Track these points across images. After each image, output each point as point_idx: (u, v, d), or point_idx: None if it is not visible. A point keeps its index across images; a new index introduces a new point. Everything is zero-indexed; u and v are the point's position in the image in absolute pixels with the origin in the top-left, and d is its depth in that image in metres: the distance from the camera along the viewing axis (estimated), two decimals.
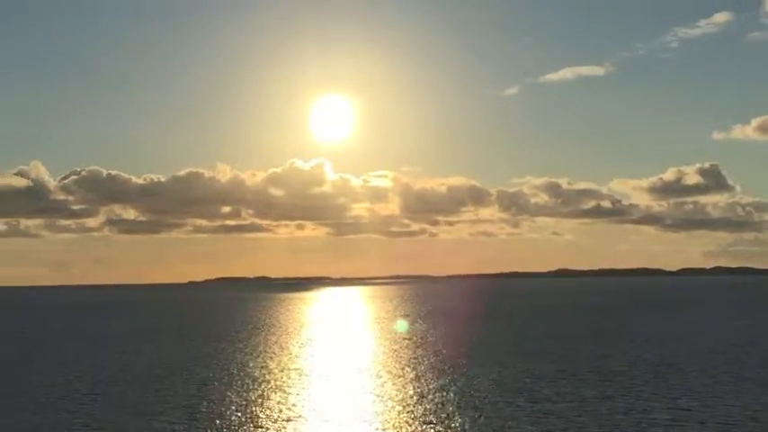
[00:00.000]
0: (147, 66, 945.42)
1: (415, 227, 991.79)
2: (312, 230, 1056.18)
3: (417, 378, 67.88)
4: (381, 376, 69.65)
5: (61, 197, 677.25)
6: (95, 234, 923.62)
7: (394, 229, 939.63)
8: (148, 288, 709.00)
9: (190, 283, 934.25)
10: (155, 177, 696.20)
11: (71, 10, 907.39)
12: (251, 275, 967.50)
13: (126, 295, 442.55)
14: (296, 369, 75.93)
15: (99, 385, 66.88)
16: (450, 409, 52.92)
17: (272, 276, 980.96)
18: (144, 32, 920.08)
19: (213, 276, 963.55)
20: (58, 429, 48.80)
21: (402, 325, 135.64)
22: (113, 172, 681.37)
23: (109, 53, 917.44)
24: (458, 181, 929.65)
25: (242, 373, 72.79)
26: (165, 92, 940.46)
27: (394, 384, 64.55)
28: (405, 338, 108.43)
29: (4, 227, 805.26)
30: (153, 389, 64.06)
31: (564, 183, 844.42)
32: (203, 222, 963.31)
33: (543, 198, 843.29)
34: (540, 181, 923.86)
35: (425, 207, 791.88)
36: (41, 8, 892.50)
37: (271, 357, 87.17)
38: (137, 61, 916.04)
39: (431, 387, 62.53)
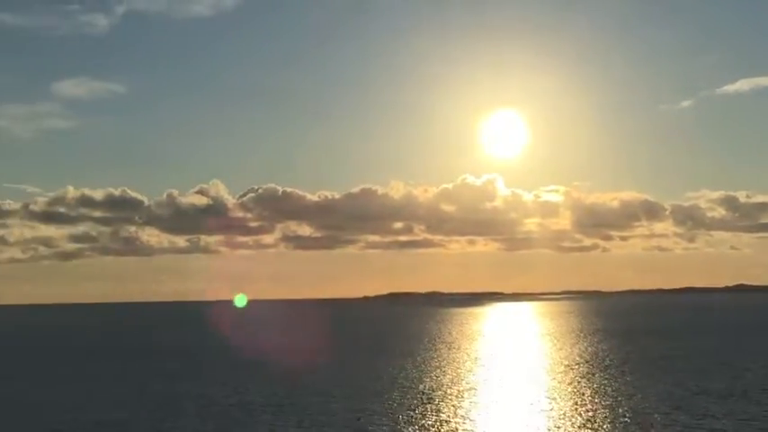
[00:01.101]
0: (321, 84, 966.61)
1: (588, 242, 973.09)
2: (483, 246, 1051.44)
3: (588, 395, 66.40)
4: (551, 392, 68.53)
5: (239, 214, 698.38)
6: (271, 250, 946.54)
7: (566, 244, 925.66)
8: (322, 303, 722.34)
9: (364, 298, 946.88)
10: (329, 194, 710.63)
11: (246, 33, 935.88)
12: (423, 291, 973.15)
13: (299, 310, 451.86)
14: (465, 384, 75.61)
15: (271, 398, 68.36)
16: (620, 426, 51.62)
17: (444, 291, 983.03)
18: (318, 52, 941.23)
19: (386, 291, 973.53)
20: None
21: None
22: (289, 189, 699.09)
23: (284, 73, 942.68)
24: (630, 195, 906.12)
25: (410, 388, 73.01)
26: (338, 110, 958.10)
27: (562, 401, 63.32)
28: (575, 355, 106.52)
29: (186, 243, 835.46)
30: (319, 400, 65.14)
31: (742, 196, 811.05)
32: (376, 238, 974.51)
33: (720, 212, 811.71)
34: (716, 194, 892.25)
35: (597, 222, 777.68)
36: (217, 31, 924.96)
37: (440, 372, 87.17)
38: (311, 81, 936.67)
39: (602, 404, 61.08)
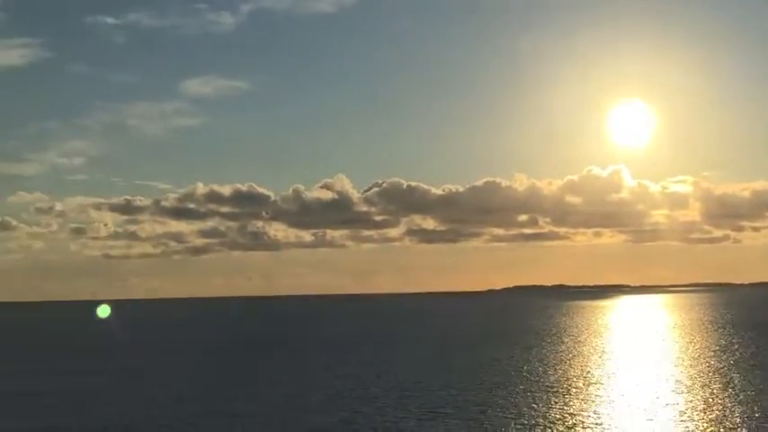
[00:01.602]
0: (443, 75, 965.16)
1: (718, 233, 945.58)
2: (610, 238, 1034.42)
3: (716, 389, 64.74)
4: (677, 386, 67.08)
5: (364, 208, 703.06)
6: (396, 244, 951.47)
7: (694, 235, 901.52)
8: (447, 296, 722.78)
9: (488, 291, 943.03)
10: (453, 188, 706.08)
11: (367, 27, 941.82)
12: (549, 283, 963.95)
13: (424, 303, 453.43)
14: (591, 377, 74.71)
15: (391, 391, 68.80)
16: (749, 422, 50.23)
17: (570, 284, 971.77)
18: (439, 47, 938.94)
19: (511, 284, 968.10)
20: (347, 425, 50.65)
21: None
22: (413, 183, 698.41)
23: (406, 68, 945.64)
24: (763, 185, 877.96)
25: (535, 380, 72.57)
26: (461, 103, 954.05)
27: (689, 395, 61.93)
28: (703, 348, 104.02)
29: (312, 238, 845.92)
30: (442, 392, 65.28)
31: None
32: (501, 231, 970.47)
33: None
34: None
35: (728, 212, 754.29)
36: (340, 26, 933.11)
37: (566, 365, 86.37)
38: (433, 72, 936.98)
39: (731, 399, 59.50)
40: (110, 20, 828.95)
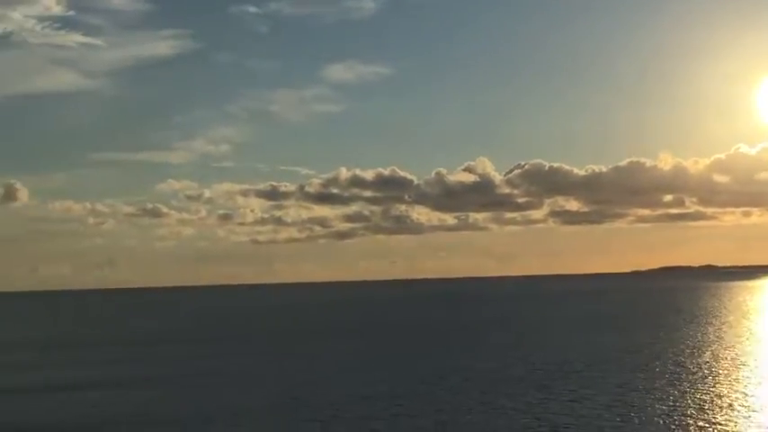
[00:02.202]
0: (584, 55, 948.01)
1: None
2: (759, 217, 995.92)
3: None
4: None
5: (506, 191, 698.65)
6: (540, 226, 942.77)
7: None
8: (591, 278, 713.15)
9: (633, 272, 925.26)
10: (596, 168, 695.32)
11: (504, 7, 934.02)
12: (696, 264, 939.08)
13: (568, 285, 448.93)
14: (741, 359, 73.39)
15: (534, 373, 69.14)
16: None
17: (718, 265, 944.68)
18: (578, 20, 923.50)
19: (657, 266, 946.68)
20: (495, 411, 51.27)
21: None
22: (555, 164, 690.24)
23: (545, 45, 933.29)
24: None
25: (677, 362, 71.71)
26: (603, 82, 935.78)
27: None
28: None
29: (455, 221, 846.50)
30: (586, 374, 65.26)
31: None
32: (646, 212, 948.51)
33: None
34: None
35: None
36: (477, 8, 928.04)
37: (714, 347, 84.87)
38: (573, 51, 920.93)
39: None
40: (252, 9, 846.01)
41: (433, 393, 58.83)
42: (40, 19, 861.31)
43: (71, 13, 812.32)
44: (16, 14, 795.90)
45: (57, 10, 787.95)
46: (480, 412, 50.96)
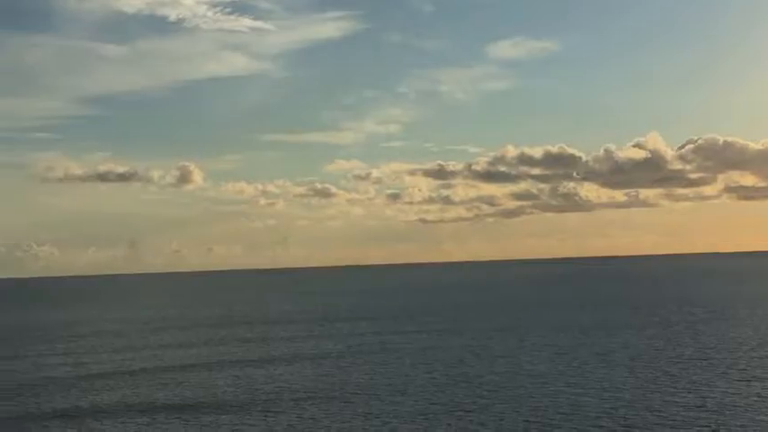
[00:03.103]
0: (760, 26, 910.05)
1: None
2: None
3: None
4: None
5: (678, 167, 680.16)
6: (713, 202, 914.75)
7: None
8: None
9: None
10: None
11: None
12: None
13: (742, 263, 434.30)
14: None
15: (704, 351, 68.45)
16: None
17: None
18: None
19: None
20: (656, 387, 51.38)
21: None
22: (730, 138, 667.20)
23: (718, 17, 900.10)
24: None
25: None
26: None
27: None
28: None
29: (625, 198, 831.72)
30: (758, 355, 64.29)
31: None
32: None
33: None
34: None
35: None
36: None
37: None
38: (748, 23, 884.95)
39: None
40: None
41: (598, 372, 59.25)
42: (212, 5, 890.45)
43: None
44: (189, 1, 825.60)
45: None
46: (663, 391, 51.25)
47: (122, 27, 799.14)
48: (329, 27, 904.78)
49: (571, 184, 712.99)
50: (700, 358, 64.37)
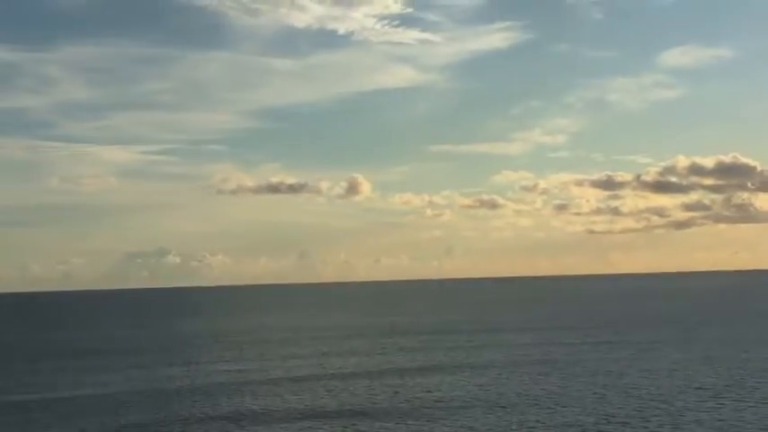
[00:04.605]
0: None
1: None
2: None
3: None
4: None
5: None
6: None
7: None
8: None
9: None
10: None
11: None
12: None
13: None
14: None
15: None
16: None
17: None
18: None
19: None
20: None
21: None
22: None
23: None
24: None
25: None
26: None
27: None
28: None
29: None
30: None
31: None
32: None
33: None
34: None
35: None
36: None
37: None
38: None
39: None
40: None
41: (757, 387, 57.97)
42: (380, 18, 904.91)
43: (408, 10, 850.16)
44: (357, 14, 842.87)
45: (395, 8, 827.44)
46: None
47: (292, 41, 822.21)
48: (496, 38, 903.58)
49: (745, 195, 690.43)
50: None
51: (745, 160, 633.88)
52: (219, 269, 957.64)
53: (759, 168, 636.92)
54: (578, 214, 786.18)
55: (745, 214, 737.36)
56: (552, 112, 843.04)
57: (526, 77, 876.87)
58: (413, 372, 73.42)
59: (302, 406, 56.94)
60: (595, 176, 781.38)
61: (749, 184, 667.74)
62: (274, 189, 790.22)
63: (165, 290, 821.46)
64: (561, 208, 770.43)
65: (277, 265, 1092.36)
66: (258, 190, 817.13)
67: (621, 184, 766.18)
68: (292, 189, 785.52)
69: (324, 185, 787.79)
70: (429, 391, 61.17)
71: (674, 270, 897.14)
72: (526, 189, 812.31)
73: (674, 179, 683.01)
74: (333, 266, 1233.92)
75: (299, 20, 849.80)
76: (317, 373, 74.48)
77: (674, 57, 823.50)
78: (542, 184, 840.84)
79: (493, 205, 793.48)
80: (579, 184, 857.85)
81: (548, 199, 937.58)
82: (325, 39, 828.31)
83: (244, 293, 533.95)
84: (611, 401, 54.04)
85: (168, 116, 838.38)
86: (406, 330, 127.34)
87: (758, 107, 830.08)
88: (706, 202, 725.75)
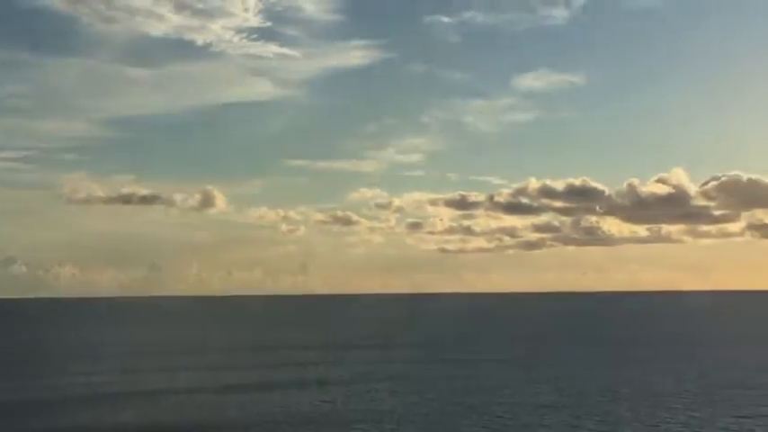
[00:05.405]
0: None
1: None
2: None
3: None
4: None
5: (702, 203, 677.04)
6: (737, 239, 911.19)
7: None
8: None
9: None
10: None
11: (701, 15, 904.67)
12: None
13: (765, 302, 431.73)
14: None
15: (708, 388, 68.38)
16: None
17: None
18: None
19: None
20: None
21: None
22: (754, 176, 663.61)
23: (745, 54, 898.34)
24: None
25: None
26: None
27: None
28: None
29: (647, 233, 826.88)
30: (757, 392, 64.25)
31: None
32: None
33: None
34: None
35: None
36: (671, 17, 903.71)
37: None
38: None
39: None
40: (445, 19, 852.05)
41: (595, 405, 59.37)
42: (238, 30, 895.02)
43: (267, 24, 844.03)
44: (216, 26, 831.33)
45: (254, 22, 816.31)
46: (642, 425, 51.35)
47: (149, 51, 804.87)
48: (354, 55, 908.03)
49: (593, 218, 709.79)
50: (701, 394, 64.41)
51: (594, 184, 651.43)
52: (67, 280, 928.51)
53: (607, 192, 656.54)
54: (432, 233, 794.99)
55: (593, 237, 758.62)
56: (408, 132, 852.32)
57: (383, 96, 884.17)
58: (258, 387, 72.58)
59: (142, 421, 55.32)
60: (449, 196, 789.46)
61: (597, 208, 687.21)
62: (126, 200, 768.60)
63: (8, 301, 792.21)
64: (415, 226, 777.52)
65: (126, 277, 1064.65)
66: (110, 200, 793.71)
67: (475, 204, 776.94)
68: (145, 200, 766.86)
69: (177, 198, 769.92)
70: (273, 407, 60.38)
71: (525, 290, 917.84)
72: (381, 207, 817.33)
73: (525, 200, 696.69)
74: (184, 280, 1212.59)
75: (156, 29, 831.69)
76: (162, 388, 72.65)
77: (528, 81, 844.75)
78: (397, 201, 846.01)
79: (347, 222, 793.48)
80: (433, 203, 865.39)
81: (402, 217, 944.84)
82: (182, 49, 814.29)
83: (90, 306, 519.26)
84: (454, 418, 54.37)
85: (21, 122, 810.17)
86: (255, 346, 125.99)
87: (607, 132, 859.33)
88: (556, 224, 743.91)
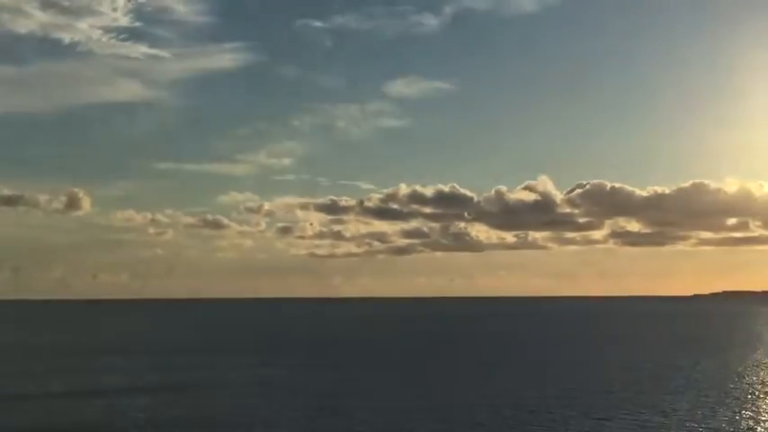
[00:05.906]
0: (651, 74, 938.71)
1: None
2: None
3: None
4: None
5: (567, 210, 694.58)
6: (600, 246, 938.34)
7: None
8: (651, 300, 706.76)
9: (694, 296, 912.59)
10: (659, 189, 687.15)
11: (571, 27, 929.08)
12: (759, 289, 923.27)
13: (627, 307, 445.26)
14: None
15: (563, 393, 69.60)
16: None
17: None
18: (647, 39, 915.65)
19: (719, 290, 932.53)
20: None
21: None
22: (617, 185, 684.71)
23: (610, 68, 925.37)
24: None
25: (718, 385, 71.68)
26: (666, 103, 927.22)
27: None
28: None
29: (514, 239, 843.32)
30: (622, 395, 65.65)
31: None
32: (709, 235, 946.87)
33: None
34: None
35: None
36: (543, 26, 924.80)
37: (753, 372, 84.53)
38: (640, 71, 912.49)
39: None
40: (317, 23, 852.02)
41: (450, 409, 59.72)
42: (107, 30, 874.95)
43: (137, 24, 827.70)
44: (83, 25, 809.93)
45: (123, 21, 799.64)
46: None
47: (14, 48, 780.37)
48: (225, 58, 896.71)
49: (462, 224, 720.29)
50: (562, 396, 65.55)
51: (463, 190, 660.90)
52: None
53: (476, 199, 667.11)
54: (302, 237, 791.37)
55: (462, 243, 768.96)
56: (279, 135, 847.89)
57: (254, 99, 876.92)
58: (122, 392, 70.56)
59: None
60: (320, 200, 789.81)
61: (466, 214, 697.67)
62: None
63: None
64: (285, 231, 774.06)
65: None
66: None
67: (345, 209, 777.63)
68: (8, 201, 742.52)
69: (42, 199, 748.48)
70: (143, 412, 58.66)
71: (395, 295, 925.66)
72: (251, 211, 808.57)
73: (395, 206, 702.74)
74: (47, 283, 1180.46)
75: (22, 26, 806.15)
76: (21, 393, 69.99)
77: (399, 87, 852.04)
78: (267, 206, 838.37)
79: (217, 226, 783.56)
80: (304, 207, 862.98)
81: (272, 221, 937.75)
82: (49, 47, 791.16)
83: None
84: (315, 423, 53.88)
85: None
86: (112, 350, 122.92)
87: (476, 139, 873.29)
88: (425, 229, 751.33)
